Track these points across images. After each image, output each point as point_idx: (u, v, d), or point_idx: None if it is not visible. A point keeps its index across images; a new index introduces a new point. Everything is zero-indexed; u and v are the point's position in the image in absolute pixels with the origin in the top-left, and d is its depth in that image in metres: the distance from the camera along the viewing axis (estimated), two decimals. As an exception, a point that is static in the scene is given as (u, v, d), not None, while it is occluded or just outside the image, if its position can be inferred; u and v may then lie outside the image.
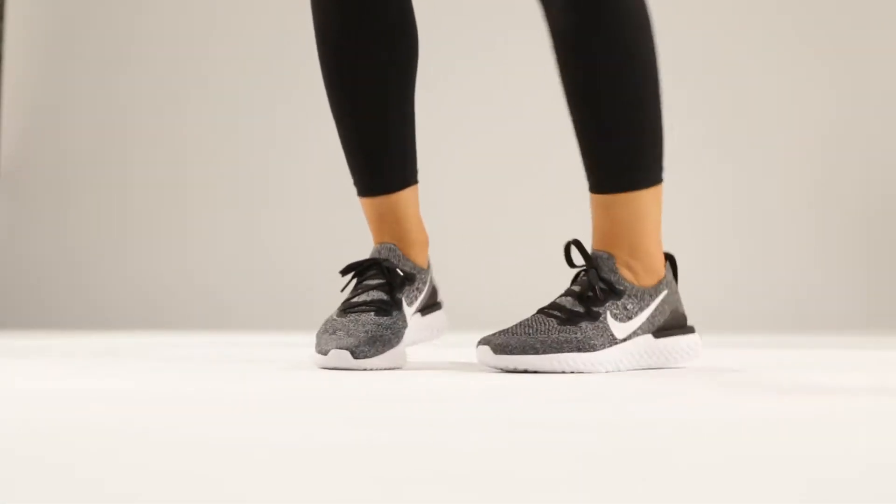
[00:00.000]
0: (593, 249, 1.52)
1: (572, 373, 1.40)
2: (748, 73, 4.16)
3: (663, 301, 1.51)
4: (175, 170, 4.14)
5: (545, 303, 1.50)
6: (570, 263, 1.51)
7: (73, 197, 4.19)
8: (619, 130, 1.50)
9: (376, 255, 1.59)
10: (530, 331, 1.41)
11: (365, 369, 1.46)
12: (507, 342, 1.40)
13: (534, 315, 1.45)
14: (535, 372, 1.40)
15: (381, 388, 1.22)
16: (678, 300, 1.56)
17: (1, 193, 4.21)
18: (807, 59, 4.18)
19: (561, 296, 1.48)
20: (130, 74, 4.15)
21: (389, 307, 1.53)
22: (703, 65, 4.16)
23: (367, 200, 1.62)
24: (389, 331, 1.50)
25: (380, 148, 1.61)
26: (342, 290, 1.62)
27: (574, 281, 1.50)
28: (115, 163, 4.18)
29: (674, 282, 1.56)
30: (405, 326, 1.53)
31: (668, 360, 1.52)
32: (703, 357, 1.64)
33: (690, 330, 1.58)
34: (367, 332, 1.48)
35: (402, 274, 1.57)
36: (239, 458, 0.70)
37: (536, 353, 1.39)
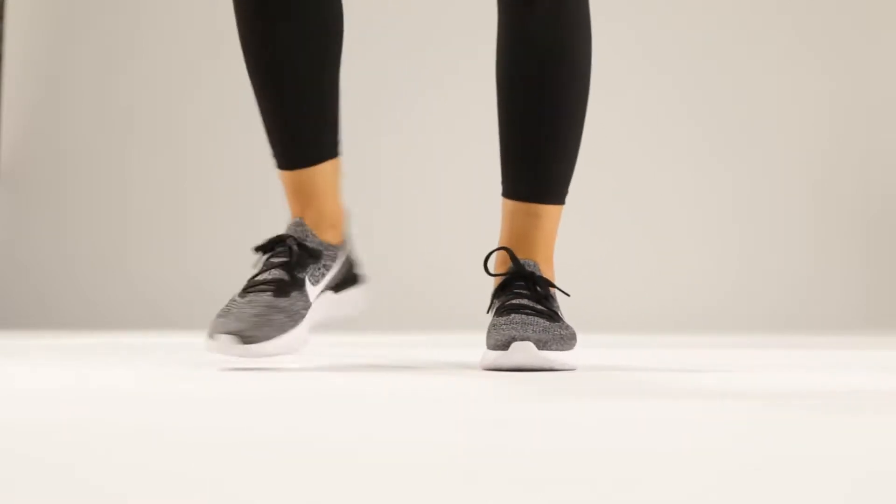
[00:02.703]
0: (521, 258, 1.52)
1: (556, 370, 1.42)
2: (748, 73, 4.16)
3: None
4: (175, 170, 4.14)
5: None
6: (489, 271, 1.54)
7: (73, 197, 4.19)
8: (570, 144, 1.60)
9: (285, 232, 1.55)
10: (538, 328, 1.42)
11: (251, 356, 1.42)
12: (542, 338, 1.41)
13: (520, 315, 1.45)
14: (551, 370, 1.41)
15: (382, 388, 1.22)
16: None
17: (1, 193, 4.21)
18: (807, 59, 4.18)
19: (518, 297, 1.47)
20: (130, 74, 4.15)
21: (289, 287, 1.48)
22: (702, 65, 4.15)
23: (282, 173, 1.59)
24: (284, 314, 1.45)
25: (296, 119, 1.58)
26: (253, 267, 1.59)
27: (519, 286, 1.49)
28: (115, 163, 4.18)
29: None
30: (306, 307, 1.48)
31: None
32: (702, 358, 1.63)
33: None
34: (257, 315, 1.42)
35: (301, 251, 1.52)
36: (238, 458, 0.70)
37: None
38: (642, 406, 1.05)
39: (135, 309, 3.99)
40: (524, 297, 1.46)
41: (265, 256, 1.54)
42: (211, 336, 1.42)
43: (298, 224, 1.55)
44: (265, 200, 4.17)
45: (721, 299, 4.01)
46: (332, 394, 1.16)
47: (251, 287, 1.48)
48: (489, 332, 1.45)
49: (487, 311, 1.50)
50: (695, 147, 4.18)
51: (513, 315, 1.44)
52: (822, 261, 4.10)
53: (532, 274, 1.50)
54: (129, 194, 4.16)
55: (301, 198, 1.57)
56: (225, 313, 1.44)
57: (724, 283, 4.04)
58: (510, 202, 1.57)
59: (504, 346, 1.40)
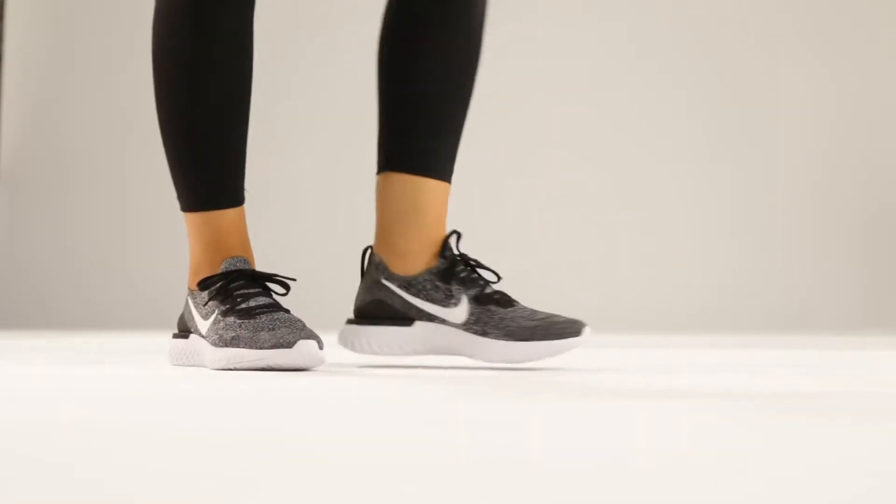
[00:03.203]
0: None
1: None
2: (748, 73, 4.16)
3: None
4: (175, 170, 4.14)
5: (543, 302, 1.51)
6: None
7: (73, 197, 4.18)
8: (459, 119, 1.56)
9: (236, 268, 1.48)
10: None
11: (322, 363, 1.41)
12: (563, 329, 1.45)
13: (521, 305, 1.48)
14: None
15: (383, 388, 1.22)
16: None
17: (1, 193, 4.21)
18: (807, 59, 4.18)
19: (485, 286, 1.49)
20: (130, 74, 4.15)
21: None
22: (703, 65, 4.15)
23: (216, 214, 1.53)
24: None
25: (237, 160, 1.59)
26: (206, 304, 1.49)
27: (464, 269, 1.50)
28: (115, 163, 4.18)
29: None
30: None
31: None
32: (702, 358, 1.63)
33: None
34: (302, 325, 1.40)
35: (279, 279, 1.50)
36: (238, 458, 0.70)
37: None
38: (641, 406, 1.05)
39: (135, 309, 3.99)
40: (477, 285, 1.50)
41: (226, 292, 1.45)
42: (286, 343, 1.36)
43: (246, 261, 1.49)
44: (265, 200, 4.18)
45: (721, 299, 4.01)
46: (333, 394, 1.16)
47: (258, 311, 1.42)
48: (501, 323, 1.46)
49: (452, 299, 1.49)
50: (694, 147, 4.18)
51: (517, 306, 1.47)
52: (821, 261, 4.10)
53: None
54: (129, 194, 4.16)
55: (237, 237, 1.52)
56: (270, 327, 1.38)
57: (724, 283, 4.04)
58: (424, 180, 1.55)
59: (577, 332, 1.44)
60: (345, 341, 1.54)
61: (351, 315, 1.55)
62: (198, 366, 1.47)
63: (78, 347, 2.20)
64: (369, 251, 1.55)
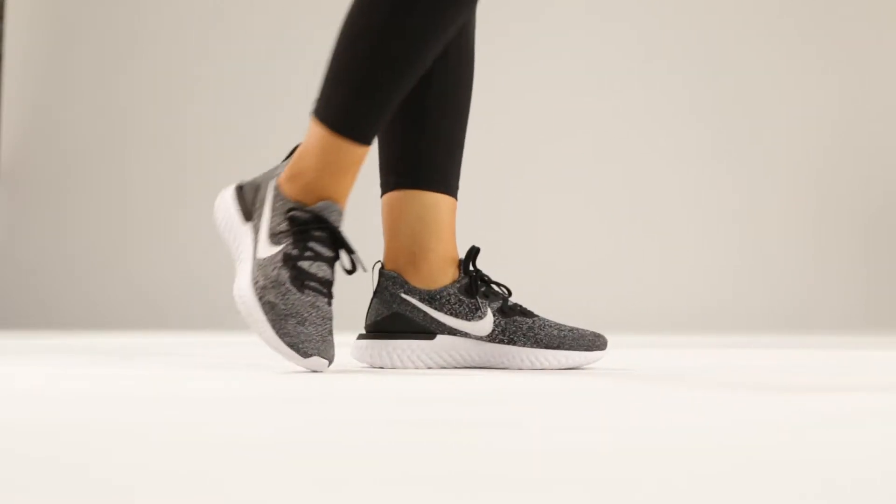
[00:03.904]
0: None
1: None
2: (749, 73, 4.16)
3: None
4: (175, 170, 4.14)
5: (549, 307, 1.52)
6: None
7: (73, 197, 4.19)
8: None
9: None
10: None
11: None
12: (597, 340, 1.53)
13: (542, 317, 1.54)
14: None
15: (385, 388, 1.22)
16: None
17: (1, 193, 4.21)
18: (808, 59, 4.18)
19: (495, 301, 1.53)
20: (130, 74, 4.15)
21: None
22: (704, 65, 4.15)
23: (357, 148, 1.49)
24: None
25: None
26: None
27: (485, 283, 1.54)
28: (115, 163, 4.18)
29: None
30: None
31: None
32: (701, 358, 1.63)
33: None
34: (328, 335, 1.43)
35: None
36: (238, 458, 0.70)
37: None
38: (639, 406, 1.05)
39: (135, 309, 3.99)
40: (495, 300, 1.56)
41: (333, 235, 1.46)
42: (304, 356, 1.39)
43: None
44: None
45: (721, 299, 4.01)
46: (334, 394, 1.16)
47: (309, 286, 1.43)
48: (529, 332, 1.50)
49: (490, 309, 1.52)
50: (695, 148, 4.18)
51: (539, 317, 1.53)
52: (821, 261, 4.10)
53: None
54: (129, 194, 4.16)
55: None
56: (327, 334, 1.41)
57: (724, 283, 4.04)
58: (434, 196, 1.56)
59: (603, 345, 1.52)
60: (362, 355, 1.53)
61: (361, 329, 1.56)
62: (231, 252, 1.48)
63: (78, 347, 2.20)
64: (380, 266, 1.56)
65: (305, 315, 1.40)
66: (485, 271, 1.56)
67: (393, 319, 1.52)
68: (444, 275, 1.53)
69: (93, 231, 4.14)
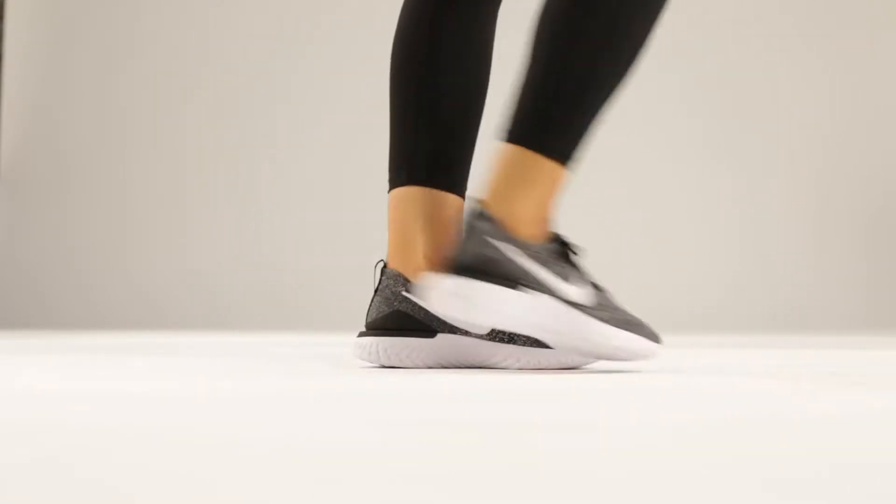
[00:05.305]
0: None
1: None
2: (748, 73, 4.16)
3: None
4: (175, 170, 4.14)
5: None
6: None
7: (73, 197, 4.19)
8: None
9: None
10: None
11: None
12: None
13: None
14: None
15: (386, 388, 1.22)
16: None
17: (1, 194, 4.20)
18: (807, 59, 4.18)
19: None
20: (130, 74, 4.15)
21: None
22: (703, 65, 4.15)
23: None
24: None
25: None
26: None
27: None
28: (115, 163, 4.18)
29: None
30: None
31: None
32: (701, 358, 1.63)
33: None
34: None
35: None
36: (238, 458, 0.70)
37: None
38: (639, 406, 1.05)
39: (135, 309, 3.99)
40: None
41: None
42: (658, 342, 1.42)
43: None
44: (265, 200, 4.18)
45: (721, 299, 4.01)
46: (336, 395, 1.16)
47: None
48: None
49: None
50: (695, 147, 4.18)
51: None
52: (822, 261, 4.10)
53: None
54: (129, 194, 4.16)
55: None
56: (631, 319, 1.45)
57: (724, 283, 4.04)
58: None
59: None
60: (363, 353, 1.50)
61: (361, 327, 1.53)
62: (575, 337, 1.39)
63: (78, 347, 2.20)
64: (382, 264, 1.54)
65: (629, 317, 1.42)
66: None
67: (394, 317, 1.51)
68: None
69: (93, 231, 4.14)
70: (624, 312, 1.43)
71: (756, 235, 4.11)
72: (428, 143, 1.55)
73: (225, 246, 3.98)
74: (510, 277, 1.36)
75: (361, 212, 4.33)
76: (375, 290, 1.54)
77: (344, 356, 1.60)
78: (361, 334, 1.53)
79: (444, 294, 1.37)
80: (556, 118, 1.43)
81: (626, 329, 1.40)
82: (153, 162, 4.16)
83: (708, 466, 0.68)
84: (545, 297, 1.37)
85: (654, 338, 1.44)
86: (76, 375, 1.41)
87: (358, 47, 4.03)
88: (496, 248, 1.37)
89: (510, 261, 1.36)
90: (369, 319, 1.53)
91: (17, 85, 4.21)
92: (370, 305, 1.53)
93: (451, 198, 1.54)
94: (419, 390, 1.21)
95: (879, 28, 4.19)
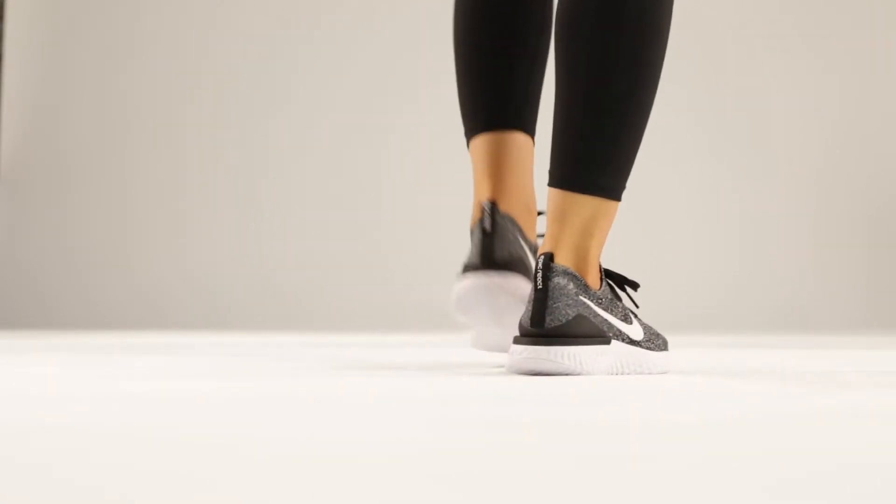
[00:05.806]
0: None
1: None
2: (749, 73, 4.16)
3: None
4: (175, 170, 4.14)
5: None
6: None
7: (73, 197, 4.19)
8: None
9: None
10: None
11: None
12: None
13: None
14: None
15: (386, 388, 1.22)
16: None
17: (1, 194, 4.20)
18: (808, 59, 4.18)
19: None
20: (130, 74, 4.15)
21: None
22: (704, 65, 4.15)
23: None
24: None
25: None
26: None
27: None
28: (115, 163, 4.18)
29: None
30: None
31: None
32: (701, 358, 1.63)
33: None
34: None
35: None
36: (237, 458, 0.70)
37: None
38: (639, 406, 1.05)
39: (135, 309, 3.99)
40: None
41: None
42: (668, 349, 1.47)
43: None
44: (265, 200, 4.18)
45: (721, 299, 4.01)
46: (337, 395, 1.16)
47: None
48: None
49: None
50: (695, 148, 4.18)
51: None
52: (822, 261, 4.10)
53: None
54: (129, 194, 4.16)
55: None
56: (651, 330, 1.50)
57: (724, 283, 4.04)
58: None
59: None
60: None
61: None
62: (639, 373, 1.42)
63: (78, 347, 2.20)
64: (491, 204, 1.51)
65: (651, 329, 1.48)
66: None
67: (514, 262, 1.48)
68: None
69: (93, 231, 4.14)
70: (648, 328, 1.48)
71: (756, 235, 4.11)
72: (507, 89, 1.56)
73: (225, 246, 3.98)
74: (599, 334, 1.38)
75: (361, 212, 4.33)
76: (484, 231, 1.48)
77: (344, 356, 1.60)
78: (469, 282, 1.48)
79: (541, 362, 1.35)
80: (611, 158, 1.45)
81: (661, 349, 1.46)
82: (153, 162, 4.16)
83: (708, 466, 0.68)
84: (617, 343, 1.41)
85: (667, 346, 1.49)
86: (76, 375, 1.41)
87: (358, 47, 4.03)
88: (585, 305, 1.38)
89: (596, 315, 1.39)
90: (484, 258, 1.47)
91: (17, 85, 4.21)
92: (481, 244, 1.47)
93: (528, 140, 1.58)
94: (419, 390, 1.21)
95: (880, 29, 4.19)
